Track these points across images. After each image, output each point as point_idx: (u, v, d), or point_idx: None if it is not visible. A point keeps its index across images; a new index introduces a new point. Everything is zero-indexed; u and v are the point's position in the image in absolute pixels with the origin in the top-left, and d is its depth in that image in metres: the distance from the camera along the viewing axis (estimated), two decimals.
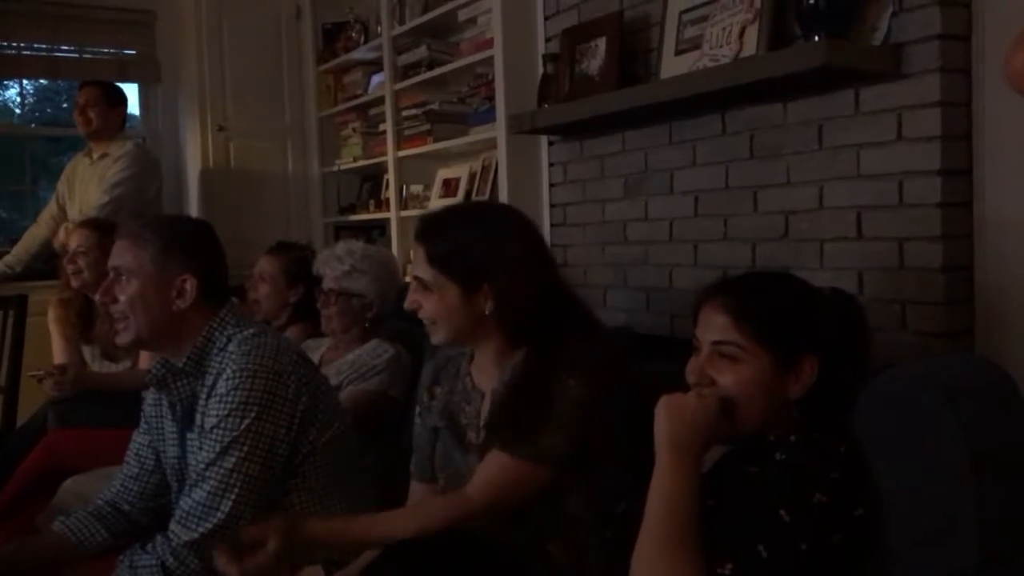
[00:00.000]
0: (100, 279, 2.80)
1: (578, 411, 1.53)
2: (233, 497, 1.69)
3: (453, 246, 1.62)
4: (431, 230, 1.67)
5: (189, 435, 1.82)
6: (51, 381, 2.77)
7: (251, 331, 1.80)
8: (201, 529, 1.68)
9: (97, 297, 1.85)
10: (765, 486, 1.26)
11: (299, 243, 3.05)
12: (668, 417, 1.31)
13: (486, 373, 1.70)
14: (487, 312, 1.61)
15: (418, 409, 1.82)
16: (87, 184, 3.80)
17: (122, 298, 1.79)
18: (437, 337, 1.67)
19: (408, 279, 1.71)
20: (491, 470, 1.56)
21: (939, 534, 1.19)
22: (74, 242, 2.94)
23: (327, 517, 1.75)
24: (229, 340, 1.79)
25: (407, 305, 1.68)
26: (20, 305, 3.18)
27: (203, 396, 1.78)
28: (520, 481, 1.55)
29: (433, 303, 1.63)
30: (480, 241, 1.62)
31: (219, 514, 1.68)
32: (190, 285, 1.79)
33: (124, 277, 1.79)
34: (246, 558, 1.50)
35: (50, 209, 3.98)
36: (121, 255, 1.81)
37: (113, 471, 2.05)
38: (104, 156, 3.80)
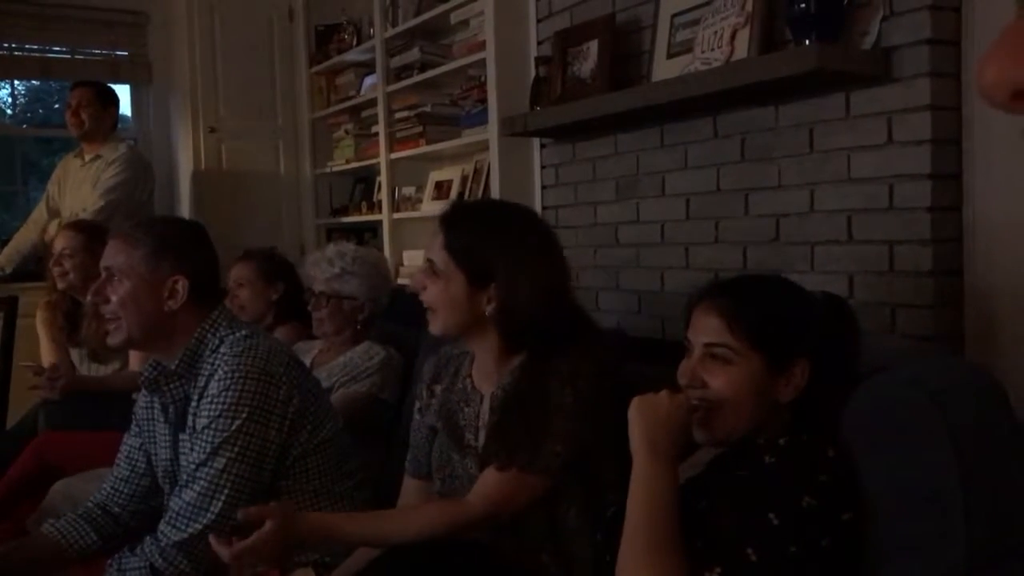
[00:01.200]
0: (86, 281, 2.82)
1: (576, 421, 1.54)
2: (223, 498, 1.69)
3: (472, 239, 1.62)
4: (456, 218, 1.67)
5: (182, 437, 1.82)
6: (43, 380, 2.76)
7: (243, 333, 1.81)
8: (190, 530, 1.68)
9: (88, 297, 1.85)
10: (754, 489, 1.26)
11: (264, 247, 3.05)
12: (641, 418, 1.32)
13: (485, 376, 1.70)
14: (487, 313, 1.61)
15: (417, 405, 1.83)
16: (80, 185, 3.78)
17: (114, 298, 1.79)
18: (435, 326, 1.67)
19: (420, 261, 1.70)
20: (492, 481, 1.56)
21: (927, 537, 1.20)
22: (60, 244, 2.93)
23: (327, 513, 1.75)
24: (221, 342, 1.79)
25: (413, 284, 1.69)
26: (10, 306, 3.18)
27: (195, 398, 1.78)
28: (521, 491, 1.55)
29: (438, 289, 1.63)
30: (498, 242, 1.62)
31: (209, 515, 1.68)
32: (182, 286, 1.79)
33: (116, 277, 1.79)
34: (238, 539, 1.48)
35: (40, 210, 3.96)
36: (113, 255, 1.81)
37: (103, 473, 2.05)
38: (97, 158, 3.79)
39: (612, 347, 1.67)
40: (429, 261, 1.65)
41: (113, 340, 1.84)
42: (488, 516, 1.55)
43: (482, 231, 1.64)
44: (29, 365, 2.83)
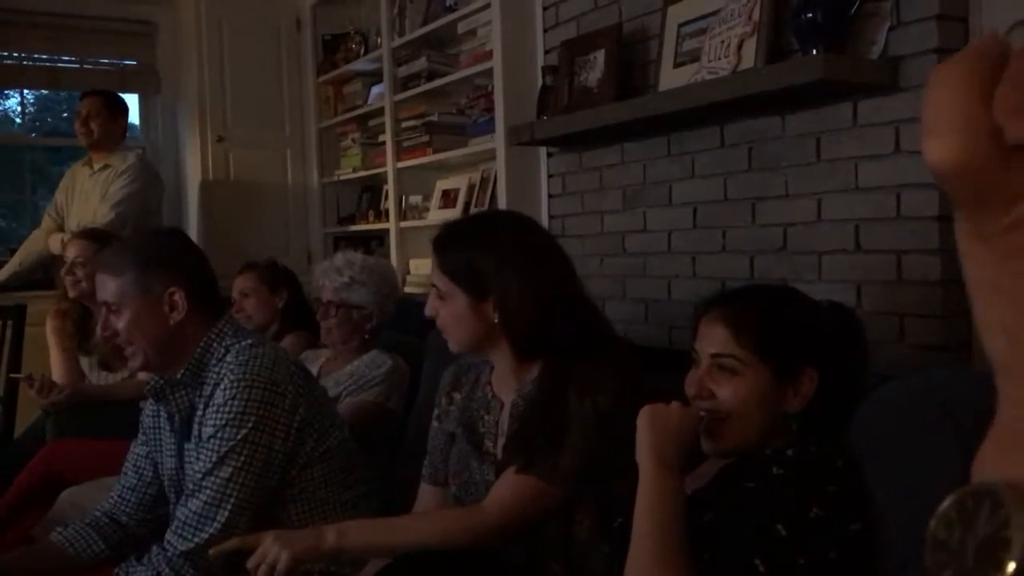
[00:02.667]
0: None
1: (594, 435, 1.54)
2: (229, 507, 1.69)
3: (462, 256, 1.65)
4: (446, 239, 1.70)
5: (187, 446, 1.82)
6: (41, 391, 2.76)
7: (248, 342, 1.81)
8: (197, 539, 1.68)
9: (98, 332, 1.85)
10: (762, 501, 1.26)
11: (263, 259, 3.06)
12: (650, 428, 1.32)
13: (505, 384, 1.71)
14: (496, 322, 1.63)
15: (436, 412, 1.84)
16: (88, 195, 3.78)
17: (120, 327, 1.79)
18: (452, 345, 1.70)
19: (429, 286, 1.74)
20: (508, 485, 1.57)
21: None
22: (72, 252, 2.94)
23: (359, 521, 1.75)
24: (227, 351, 1.79)
25: (427, 312, 1.71)
26: (19, 315, 3.19)
27: (201, 407, 1.78)
28: (536, 501, 1.55)
29: (446, 311, 1.66)
30: (488, 253, 1.64)
31: (215, 524, 1.68)
32: (180, 297, 1.79)
33: (114, 309, 1.80)
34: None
35: (48, 219, 3.97)
36: (104, 289, 1.81)
37: (111, 482, 2.06)
38: (106, 167, 3.79)
39: (634, 357, 1.67)
40: (433, 286, 1.68)
41: (133, 366, 1.86)
42: (502, 523, 1.56)
43: (471, 245, 1.67)
44: (16, 376, 2.83)
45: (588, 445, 1.54)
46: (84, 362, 3.04)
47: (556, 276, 1.68)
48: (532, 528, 1.57)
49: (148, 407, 1.97)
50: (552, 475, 1.54)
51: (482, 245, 1.66)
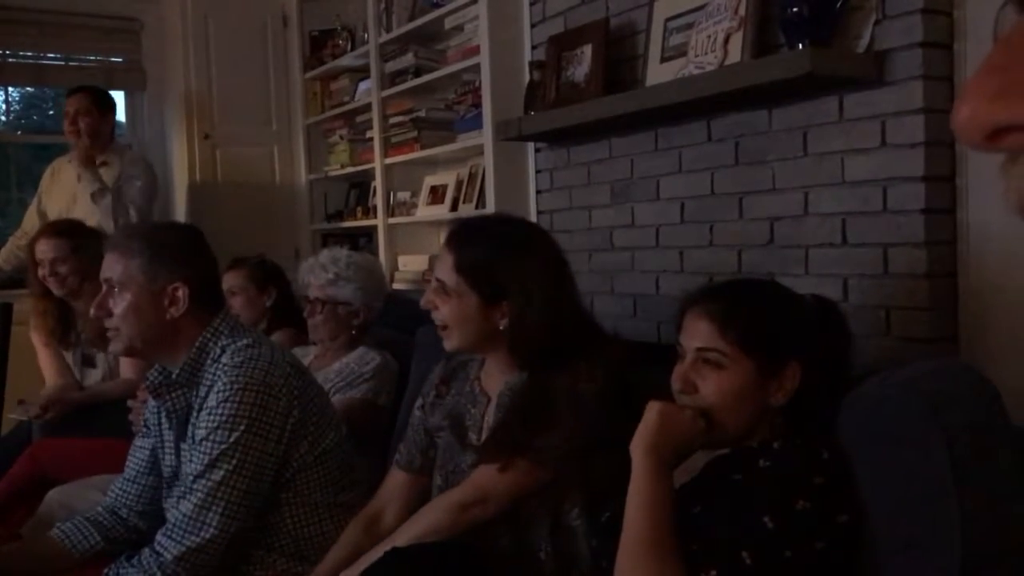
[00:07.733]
0: (83, 283, 2.80)
1: (574, 418, 1.53)
2: (220, 511, 1.68)
3: (482, 258, 1.62)
4: (463, 237, 1.67)
5: (183, 445, 1.81)
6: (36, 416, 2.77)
7: (245, 342, 1.79)
8: (187, 543, 1.67)
9: (92, 311, 1.83)
10: (749, 493, 1.26)
11: (252, 255, 3.05)
12: (659, 426, 1.32)
13: (494, 379, 1.70)
14: (501, 328, 1.61)
15: (420, 402, 1.82)
16: (77, 193, 3.74)
17: (116, 311, 1.77)
18: (450, 343, 1.67)
19: (430, 279, 1.70)
20: (484, 471, 1.58)
21: (922, 541, 1.20)
22: (48, 252, 2.89)
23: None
24: (223, 351, 1.77)
25: (423, 304, 1.68)
26: (4, 314, 3.16)
27: (196, 408, 1.77)
28: (510, 476, 1.55)
29: (451, 308, 1.63)
30: (508, 259, 1.62)
31: (206, 527, 1.67)
32: (182, 293, 1.78)
33: (116, 289, 1.78)
34: None
35: (31, 216, 3.92)
36: (111, 267, 1.79)
37: (98, 481, 2.05)
38: (102, 164, 3.76)
39: (622, 352, 1.66)
40: (439, 281, 1.65)
41: (113, 348, 1.83)
42: (474, 498, 1.56)
43: (492, 249, 1.64)
44: (22, 419, 2.85)
45: (566, 427, 1.53)
46: (67, 357, 3.03)
47: (567, 293, 1.67)
48: (518, 515, 1.57)
49: (151, 401, 1.95)
50: (535, 456, 1.53)
51: (504, 250, 1.63)
